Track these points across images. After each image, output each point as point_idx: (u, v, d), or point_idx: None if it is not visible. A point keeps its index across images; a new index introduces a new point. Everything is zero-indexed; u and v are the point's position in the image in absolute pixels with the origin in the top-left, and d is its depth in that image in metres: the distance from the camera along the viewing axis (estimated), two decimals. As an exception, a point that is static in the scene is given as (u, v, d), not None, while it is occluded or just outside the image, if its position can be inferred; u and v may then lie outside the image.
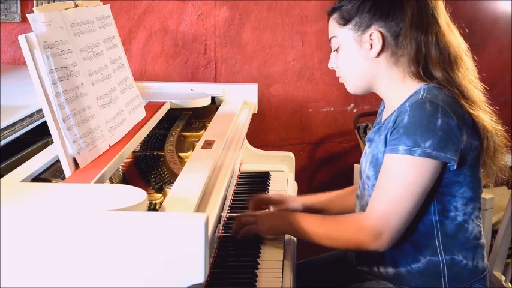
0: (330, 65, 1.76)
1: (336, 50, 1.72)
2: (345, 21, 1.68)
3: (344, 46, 1.70)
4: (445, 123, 1.55)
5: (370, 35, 1.65)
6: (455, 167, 1.57)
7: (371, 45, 1.65)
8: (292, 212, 1.76)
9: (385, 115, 1.75)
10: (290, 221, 1.70)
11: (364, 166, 1.73)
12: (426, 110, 1.55)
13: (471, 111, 1.62)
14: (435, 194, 1.61)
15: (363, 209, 1.75)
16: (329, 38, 1.74)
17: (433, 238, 1.64)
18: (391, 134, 1.60)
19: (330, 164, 3.40)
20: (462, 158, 1.59)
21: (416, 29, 1.62)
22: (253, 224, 1.75)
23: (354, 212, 1.82)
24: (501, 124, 1.69)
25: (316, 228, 1.67)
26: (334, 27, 1.71)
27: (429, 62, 1.63)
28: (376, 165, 1.65)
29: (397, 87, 1.68)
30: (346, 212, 1.84)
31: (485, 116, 1.65)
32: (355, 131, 3.13)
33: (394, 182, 1.57)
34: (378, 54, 1.66)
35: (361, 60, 1.68)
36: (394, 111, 1.66)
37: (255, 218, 1.76)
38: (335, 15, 1.71)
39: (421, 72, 1.63)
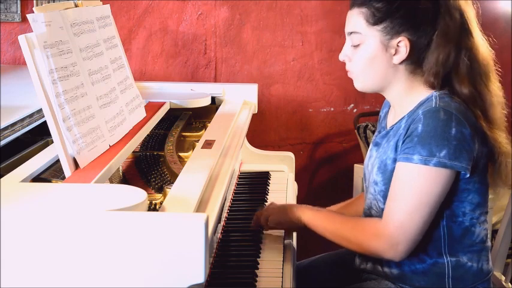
0: (342, 57, 1.69)
1: (355, 45, 1.65)
2: (376, 21, 1.60)
3: (367, 45, 1.63)
4: (459, 132, 1.54)
5: (399, 42, 1.60)
6: (468, 175, 1.57)
7: (396, 50, 1.61)
8: (311, 207, 1.75)
9: (392, 120, 1.73)
10: (312, 213, 1.72)
11: (370, 170, 1.72)
12: (440, 119, 1.54)
13: (488, 132, 1.60)
14: (444, 200, 1.59)
15: (366, 211, 1.75)
16: (349, 31, 1.66)
17: (439, 241, 1.63)
18: (403, 141, 1.58)
19: (330, 164, 3.40)
20: (474, 166, 1.58)
21: (448, 42, 1.58)
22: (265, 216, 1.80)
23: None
24: (508, 127, 1.68)
25: (334, 227, 1.68)
26: (360, 23, 1.63)
27: (455, 76, 1.60)
28: (385, 171, 1.64)
29: (407, 94, 1.66)
30: (360, 216, 1.83)
31: (502, 137, 1.63)
32: (355, 131, 3.13)
33: (409, 192, 1.55)
34: (401, 62, 1.62)
35: (382, 64, 1.63)
36: (404, 117, 1.65)
37: (268, 211, 1.80)
38: (363, 10, 1.62)
39: (440, 84, 1.60)
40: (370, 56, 1.63)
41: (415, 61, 1.62)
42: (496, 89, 1.66)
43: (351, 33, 1.66)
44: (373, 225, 1.63)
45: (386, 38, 1.61)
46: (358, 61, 1.65)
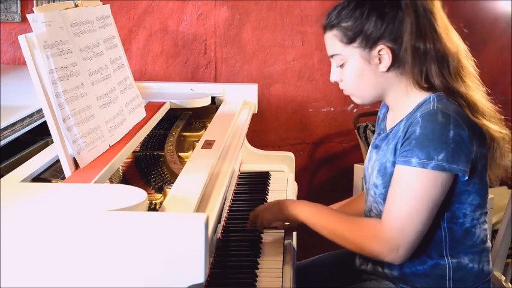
0: (333, 79, 1.71)
1: (339, 65, 1.68)
2: (349, 39, 1.63)
3: (350, 63, 1.65)
4: (457, 135, 1.53)
5: (379, 51, 1.61)
6: (467, 177, 1.57)
7: (379, 59, 1.62)
8: (308, 203, 1.75)
9: (390, 122, 1.73)
10: (311, 211, 1.71)
11: (370, 173, 1.72)
12: (438, 122, 1.54)
13: (477, 121, 1.60)
14: (445, 202, 1.59)
15: (367, 213, 1.75)
16: (330, 54, 1.69)
17: (440, 243, 1.63)
18: (402, 144, 1.58)
19: (330, 164, 3.40)
20: (473, 168, 1.58)
21: (416, 39, 1.59)
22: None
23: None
24: (508, 126, 1.68)
25: (332, 226, 1.67)
26: (336, 45, 1.66)
27: (429, 72, 1.61)
28: (385, 174, 1.64)
29: (404, 96, 1.66)
30: (360, 214, 1.82)
31: (492, 124, 1.63)
32: (355, 131, 3.14)
33: (407, 195, 1.55)
34: (388, 68, 1.62)
35: (371, 76, 1.64)
36: (402, 119, 1.64)
37: (261, 214, 1.79)
38: (335, 32, 1.65)
39: (423, 82, 1.61)
40: (357, 72, 1.65)
41: (400, 63, 1.62)
42: (469, 79, 1.65)
43: (332, 56, 1.69)
44: (373, 227, 1.62)
45: (365, 52, 1.63)
46: (348, 80, 1.68)
